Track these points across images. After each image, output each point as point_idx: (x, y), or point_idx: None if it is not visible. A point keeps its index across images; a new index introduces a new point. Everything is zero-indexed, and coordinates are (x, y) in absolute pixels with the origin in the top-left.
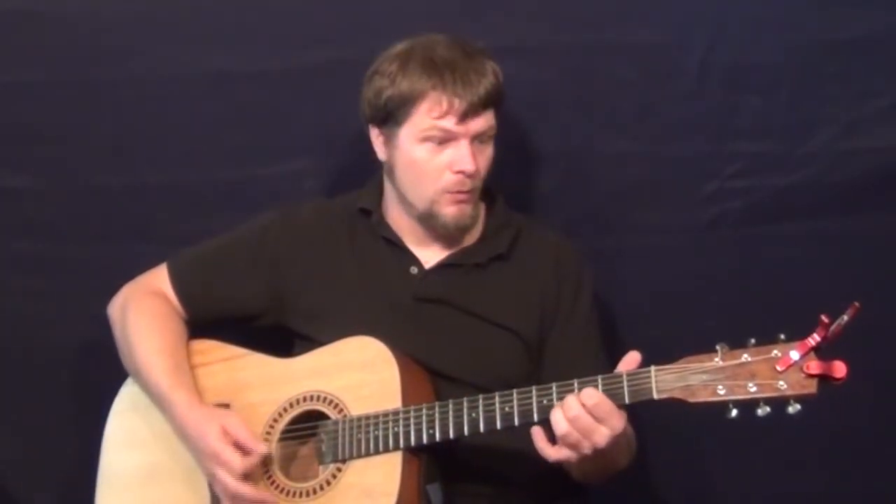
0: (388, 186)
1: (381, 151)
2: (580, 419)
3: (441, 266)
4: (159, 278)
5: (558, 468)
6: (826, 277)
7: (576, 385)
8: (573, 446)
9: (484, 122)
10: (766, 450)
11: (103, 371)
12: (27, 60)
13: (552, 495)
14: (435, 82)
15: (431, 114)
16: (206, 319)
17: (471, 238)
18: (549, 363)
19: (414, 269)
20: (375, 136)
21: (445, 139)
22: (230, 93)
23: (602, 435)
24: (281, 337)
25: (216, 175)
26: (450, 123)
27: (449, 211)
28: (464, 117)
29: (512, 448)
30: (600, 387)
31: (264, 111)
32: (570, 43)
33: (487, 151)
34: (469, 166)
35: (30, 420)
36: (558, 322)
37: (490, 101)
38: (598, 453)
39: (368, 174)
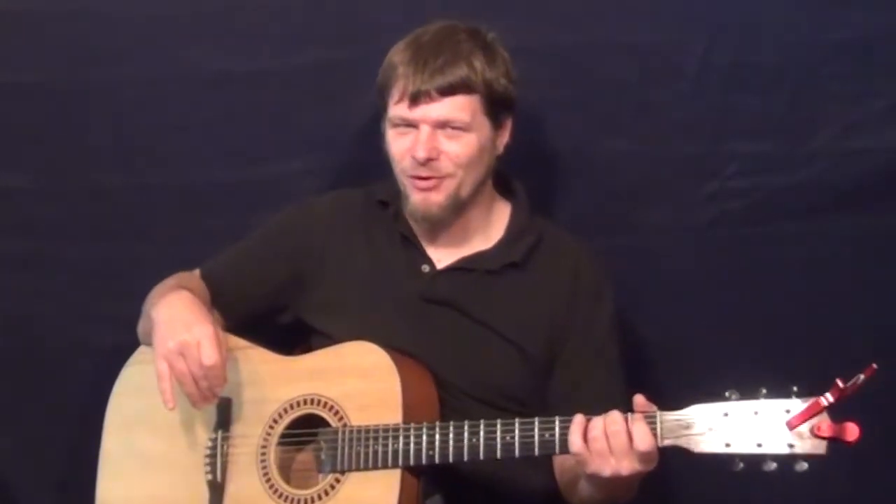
0: None
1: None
2: (619, 434)
3: (452, 269)
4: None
5: (556, 488)
6: (826, 277)
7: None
8: (600, 453)
9: (443, 109)
10: None
11: (103, 370)
12: (26, 60)
13: None
14: (398, 68)
15: (393, 100)
16: (235, 315)
17: (488, 241)
18: (560, 374)
19: (426, 268)
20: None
21: (407, 124)
22: (230, 93)
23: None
24: (284, 334)
25: (216, 175)
26: (403, 110)
27: (415, 198)
28: (415, 102)
29: (512, 463)
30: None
31: (264, 111)
32: (570, 43)
33: (460, 141)
34: (418, 153)
35: (30, 420)
36: (573, 335)
37: (453, 89)
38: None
39: (369, 174)
